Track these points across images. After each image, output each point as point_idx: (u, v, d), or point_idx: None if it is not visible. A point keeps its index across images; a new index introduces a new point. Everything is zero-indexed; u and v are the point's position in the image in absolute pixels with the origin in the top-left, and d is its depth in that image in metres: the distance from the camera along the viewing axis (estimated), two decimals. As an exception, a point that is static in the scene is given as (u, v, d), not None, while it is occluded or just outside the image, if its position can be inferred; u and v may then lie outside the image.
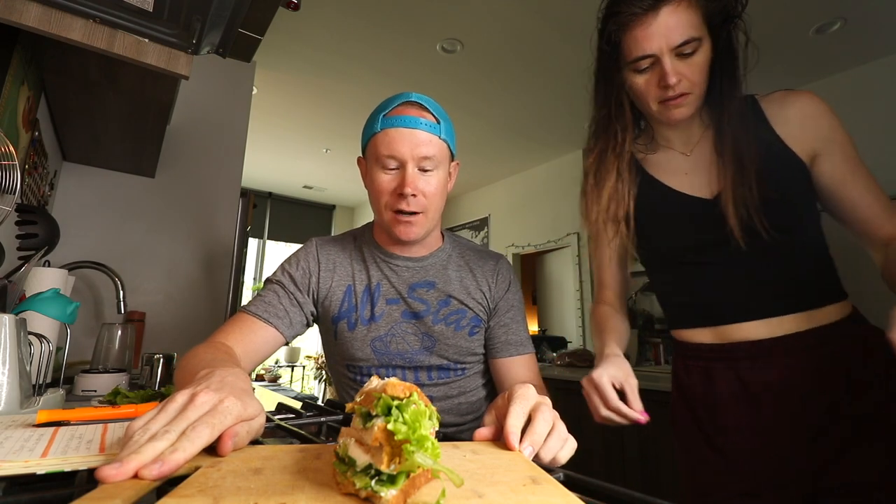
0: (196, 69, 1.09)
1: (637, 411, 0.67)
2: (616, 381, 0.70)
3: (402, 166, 0.78)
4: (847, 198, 0.76)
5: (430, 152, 0.79)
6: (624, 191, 0.85)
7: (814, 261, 0.78)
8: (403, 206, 0.79)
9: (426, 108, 0.81)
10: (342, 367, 0.89)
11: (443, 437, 0.49)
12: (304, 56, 2.77)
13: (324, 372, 4.93)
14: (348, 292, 0.86)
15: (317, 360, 5.11)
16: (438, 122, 0.81)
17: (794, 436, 0.73)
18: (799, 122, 0.76)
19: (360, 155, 0.88)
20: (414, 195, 0.78)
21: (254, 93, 2.78)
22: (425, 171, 0.80)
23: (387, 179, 0.79)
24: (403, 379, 0.78)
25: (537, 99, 3.21)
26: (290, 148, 4.23)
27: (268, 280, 0.87)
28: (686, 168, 0.84)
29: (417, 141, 0.78)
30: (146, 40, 0.88)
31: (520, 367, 0.89)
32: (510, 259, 4.40)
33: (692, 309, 0.85)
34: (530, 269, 4.62)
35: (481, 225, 4.76)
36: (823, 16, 2.28)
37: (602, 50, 0.80)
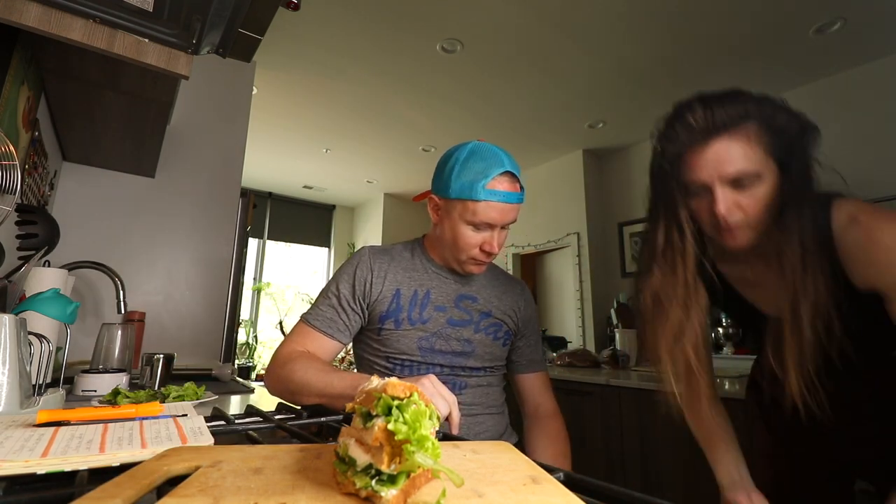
0: (196, 69, 1.09)
1: None
2: None
3: (491, 229, 0.91)
4: None
5: (513, 218, 0.92)
6: (694, 319, 0.78)
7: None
8: (483, 259, 0.93)
9: (517, 178, 0.91)
10: (380, 358, 0.96)
11: (443, 437, 0.49)
12: (304, 56, 2.77)
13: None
14: (396, 295, 0.95)
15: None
16: (522, 190, 0.91)
17: None
18: (863, 261, 0.67)
19: (435, 195, 0.95)
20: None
21: (254, 93, 2.78)
22: (502, 229, 0.93)
23: (474, 237, 0.91)
24: (441, 374, 0.94)
25: (537, 99, 3.22)
26: (290, 148, 4.23)
27: (327, 291, 0.96)
28: (755, 280, 0.80)
29: (510, 212, 0.90)
30: (146, 40, 0.88)
31: (541, 382, 1.07)
32: (510, 259, 4.40)
33: None
34: (530, 269, 4.62)
35: (481, 225, 4.76)
36: (823, 16, 2.28)
37: (660, 167, 0.76)
